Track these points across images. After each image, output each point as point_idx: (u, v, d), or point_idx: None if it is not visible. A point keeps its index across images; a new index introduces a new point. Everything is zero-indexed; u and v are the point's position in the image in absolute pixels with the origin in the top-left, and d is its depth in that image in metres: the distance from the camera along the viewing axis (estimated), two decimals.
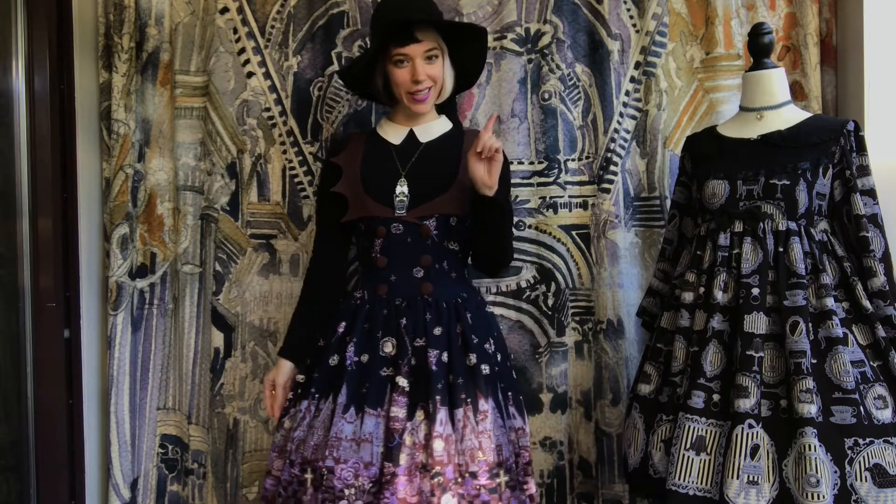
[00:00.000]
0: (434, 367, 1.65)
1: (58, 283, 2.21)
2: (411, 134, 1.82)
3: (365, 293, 1.77)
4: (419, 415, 1.63)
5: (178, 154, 2.24)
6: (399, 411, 1.62)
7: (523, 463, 1.70)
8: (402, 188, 1.75)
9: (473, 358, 1.67)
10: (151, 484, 2.26)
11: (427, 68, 1.71)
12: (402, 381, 1.64)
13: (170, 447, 2.27)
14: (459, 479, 1.61)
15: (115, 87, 2.22)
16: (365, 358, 1.69)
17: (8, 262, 2.20)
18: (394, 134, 1.83)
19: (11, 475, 2.21)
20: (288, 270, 2.22)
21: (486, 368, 1.69)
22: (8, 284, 2.21)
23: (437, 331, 1.68)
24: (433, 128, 1.83)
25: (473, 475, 1.61)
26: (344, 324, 1.75)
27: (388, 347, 1.68)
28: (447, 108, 1.90)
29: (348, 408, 1.65)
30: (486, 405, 1.65)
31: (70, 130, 2.26)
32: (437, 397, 1.62)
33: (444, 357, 1.66)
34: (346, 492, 1.60)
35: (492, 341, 1.75)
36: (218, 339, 2.24)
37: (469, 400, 1.64)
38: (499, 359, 1.75)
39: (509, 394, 1.73)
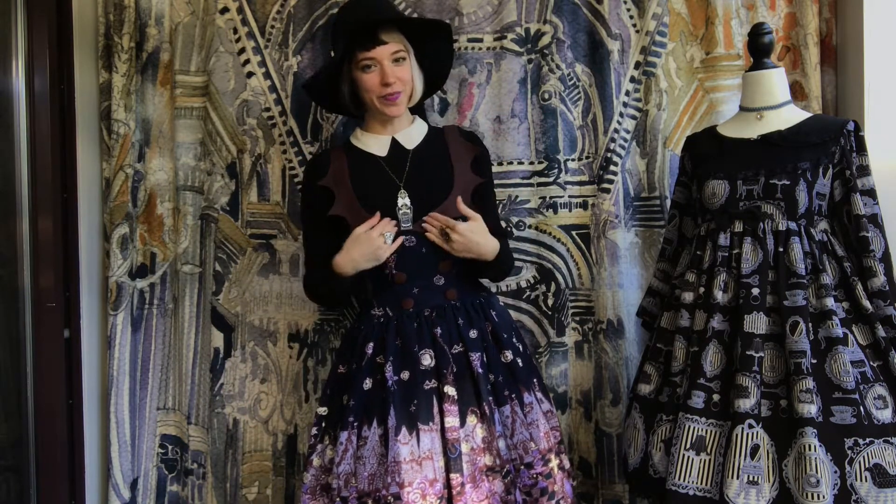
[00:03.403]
0: (480, 370, 1.65)
1: (58, 283, 2.21)
2: (395, 143, 1.76)
3: (387, 310, 1.71)
4: (470, 420, 1.62)
5: (178, 154, 2.24)
6: (453, 421, 1.60)
7: (556, 442, 1.73)
8: (403, 200, 1.70)
9: (509, 354, 1.71)
10: (151, 484, 2.26)
11: (396, 70, 1.67)
12: (451, 390, 1.61)
13: (170, 447, 2.27)
14: (515, 473, 1.65)
15: (115, 87, 2.22)
16: (406, 375, 1.64)
17: (8, 262, 2.20)
18: (376, 145, 1.77)
19: (11, 475, 2.21)
20: (288, 270, 2.21)
21: (521, 361, 1.73)
22: (8, 284, 2.21)
23: (473, 334, 1.69)
24: (413, 133, 1.78)
25: (529, 465, 1.65)
26: (371, 344, 1.69)
27: (427, 360, 1.64)
28: (418, 109, 1.86)
29: (400, 429, 1.59)
30: (530, 397, 1.70)
31: (70, 130, 2.26)
32: (490, 398, 1.64)
33: (484, 358, 1.68)
34: None
35: (515, 334, 1.79)
36: (218, 339, 2.24)
37: (513, 395, 1.68)
38: (522, 349, 1.77)
39: (534, 380, 1.76)
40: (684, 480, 1.61)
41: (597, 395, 2.12)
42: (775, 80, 1.75)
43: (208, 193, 2.24)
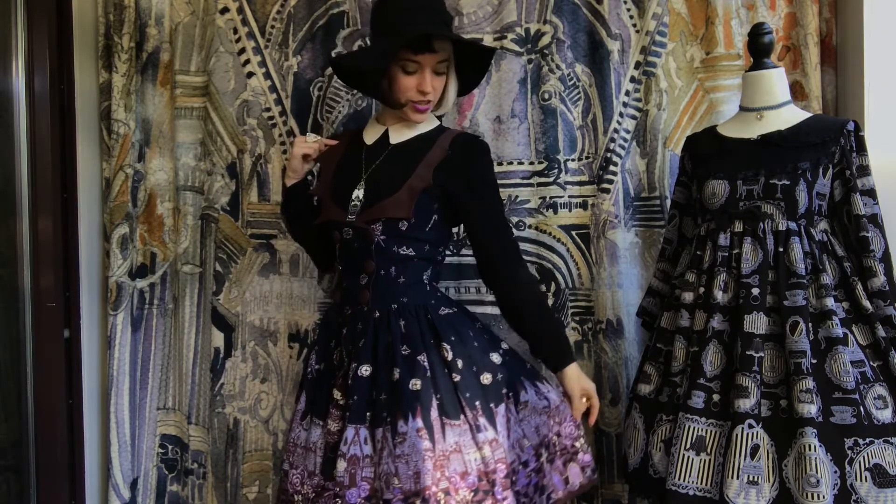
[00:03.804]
0: (349, 382, 1.58)
1: (58, 283, 2.21)
2: (385, 135, 1.72)
3: (335, 299, 1.77)
4: (350, 431, 1.56)
5: (178, 154, 2.24)
6: (333, 424, 1.60)
7: (501, 478, 1.53)
8: (358, 192, 1.66)
9: (397, 373, 1.55)
10: (151, 484, 2.26)
11: (435, 80, 1.63)
12: (337, 394, 1.61)
13: (170, 447, 2.27)
14: None
15: (115, 87, 2.22)
16: (321, 367, 1.69)
17: (8, 262, 2.20)
18: (372, 134, 1.75)
19: (11, 475, 2.21)
20: (288, 270, 2.22)
21: (416, 384, 1.54)
22: (8, 284, 2.21)
23: (362, 342, 1.60)
24: (408, 129, 1.71)
25: (387, 502, 1.50)
26: (318, 330, 1.76)
27: (336, 358, 1.66)
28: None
29: (306, 415, 1.68)
30: (405, 426, 1.51)
31: (70, 130, 2.26)
32: (347, 413, 1.57)
33: (365, 371, 1.57)
34: (296, 497, 1.62)
35: (447, 349, 1.58)
36: (218, 338, 2.24)
37: (389, 419, 1.53)
38: (459, 366, 1.57)
39: (477, 403, 1.56)
40: (684, 480, 1.61)
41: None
42: (775, 80, 1.75)
43: (208, 193, 2.24)
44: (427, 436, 1.51)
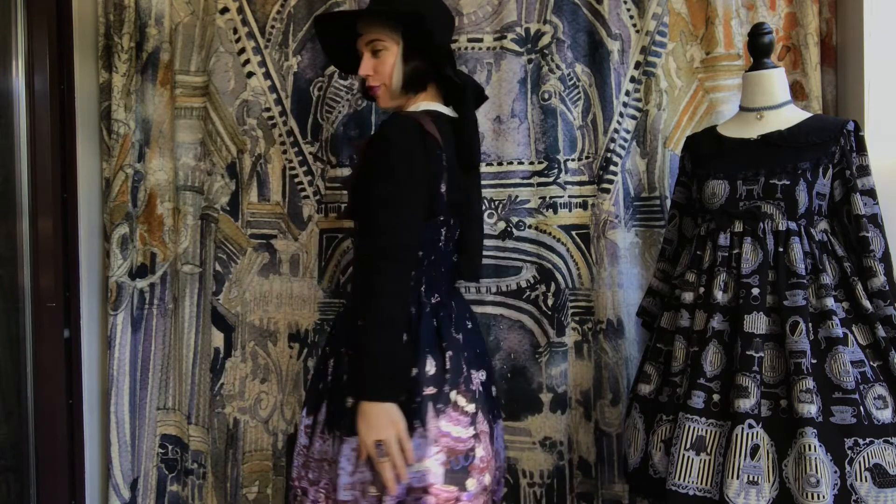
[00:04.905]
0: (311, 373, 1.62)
1: (58, 283, 2.21)
2: None
3: None
4: (307, 417, 1.64)
5: (178, 154, 2.24)
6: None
7: (309, 483, 1.54)
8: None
9: (311, 370, 1.59)
10: (151, 484, 2.26)
11: (372, 62, 1.59)
12: None
13: (170, 447, 2.27)
14: None
15: (115, 87, 2.22)
16: None
17: (8, 262, 2.20)
18: None
19: (11, 475, 2.21)
20: (288, 270, 2.22)
21: (320, 384, 1.58)
22: (8, 284, 2.21)
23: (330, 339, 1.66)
24: None
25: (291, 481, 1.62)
26: None
27: None
28: (456, 98, 1.64)
29: None
30: (306, 420, 1.58)
31: (70, 130, 2.26)
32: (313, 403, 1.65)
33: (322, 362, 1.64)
34: None
35: (345, 360, 1.53)
36: (218, 339, 2.24)
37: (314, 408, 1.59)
38: (343, 380, 1.52)
39: (342, 422, 1.49)
40: (684, 480, 1.61)
41: (596, 395, 2.12)
42: (775, 80, 1.75)
43: (208, 193, 2.24)
44: (308, 433, 1.57)
